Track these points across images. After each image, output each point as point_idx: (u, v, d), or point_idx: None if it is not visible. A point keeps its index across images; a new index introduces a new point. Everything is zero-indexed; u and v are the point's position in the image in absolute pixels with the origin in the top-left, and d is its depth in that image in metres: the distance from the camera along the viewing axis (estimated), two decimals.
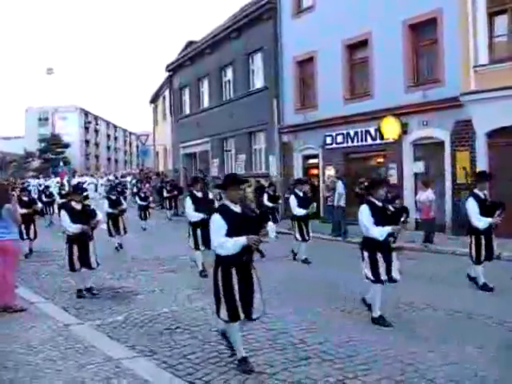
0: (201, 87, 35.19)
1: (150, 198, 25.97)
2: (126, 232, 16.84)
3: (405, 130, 19.27)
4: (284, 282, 11.14)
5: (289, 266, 13.40)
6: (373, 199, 8.17)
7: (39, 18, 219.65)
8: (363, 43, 21.12)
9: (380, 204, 8.15)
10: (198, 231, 11.92)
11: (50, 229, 22.44)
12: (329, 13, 22.30)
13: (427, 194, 15.99)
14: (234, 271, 6.11)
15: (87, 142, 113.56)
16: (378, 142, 20.35)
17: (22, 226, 14.44)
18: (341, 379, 5.88)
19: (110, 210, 16.55)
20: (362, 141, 21.24)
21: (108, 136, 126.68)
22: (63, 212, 10.16)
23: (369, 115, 20.23)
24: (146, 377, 5.94)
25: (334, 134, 22.42)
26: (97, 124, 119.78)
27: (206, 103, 34.45)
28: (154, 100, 50.78)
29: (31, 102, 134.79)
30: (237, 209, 6.33)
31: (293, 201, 13.95)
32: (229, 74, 31.10)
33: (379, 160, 21.40)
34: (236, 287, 6.11)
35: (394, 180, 19.76)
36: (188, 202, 12.13)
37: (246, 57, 28.75)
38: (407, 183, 19.30)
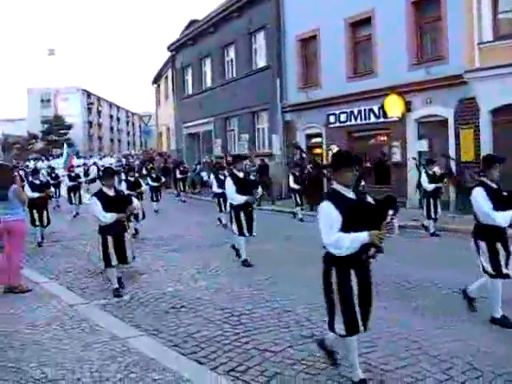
0: (203, 67, 35.03)
1: (163, 179, 24.82)
2: (144, 217, 15.59)
3: (408, 107, 19.20)
4: (288, 261, 11.15)
5: (293, 245, 13.41)
6: (487, 180, 7.21)
7: None
8: (366, 21, 20.95)
9: (495, 186, 7.18)
10: (242, 215, 10.89)
11: (54, 211, 22.33)
12: None
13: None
14: (353, 273, 5.05)
15: (90, 123, 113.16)
16: (382, 120, 20.28)
17: (34, 212, 14.07)
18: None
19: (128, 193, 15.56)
20: (365, 119, 21.16)
21: (111, 117, 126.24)
22: (94, 200, 8.74)
23: (372, 93, 20.14)
24: (151, 355, 5.97)
25: (337, 112, 22.34)
26: (99, 105, 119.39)
27: (208, 83, 34.32)
28: (156, 80, 50.61)
29: (33, 84, 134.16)
30: (351, 194, 5.11)
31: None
32: (231, 53, 30.97)
33: (383, 138, 21.37)
34: (356, 294, 5.07)
35: (397, 158, 19.76)
36: (229, 182, 10.93)
37: (248, 36, 28.61)
38: (411, 161, 19.23)
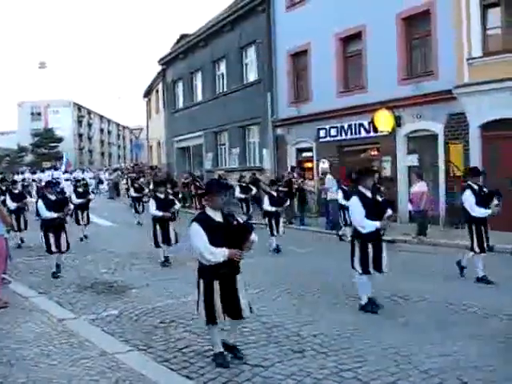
0: (194, 81, 35.11)
1: (180, 195, 22.68)
2: (177, 241, 13.07)
3: (398, 122, 19.27)
4: (280, 275, 11.15)
5: (286, 259, 13.41)
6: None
7: (31, 12, 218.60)
8: (357, 36, 21.08)
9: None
10: (370, 247, 8.32)
11: None
12: (322, 5, 22.29)
13: (420, 186, 16.02)
14: None
15: (80, 136, 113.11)
16: (372, 134, 20.34)
17: (50, 236, 11.55)
18: (335, 371, 5.89)
19: (160, 214, 12.79)
20: (355, 134, 21.23)
21: (101, 130, 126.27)
22: (197, 228, 6.05)
23: (362, 108, 20.23)
24: (140, 370, 5.94)
25: (327, 127, 22.41)
26: (90, 118, 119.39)
27: (199, 97, 34.38)
28: (147, 94, 50.68)
29: (24, 97, 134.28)
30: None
31: (470, 197, 10.31)
32: (222, 67, 31.05)
33: (373, 153, 21.42)
34: None
35: (387, 173, 19.83)
36: (356, 204, 8.33)
37: (239, 50, 28.71)
38: (401, 176, 19.30)
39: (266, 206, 14.54)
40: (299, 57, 24.49)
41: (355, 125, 21.11)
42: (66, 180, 35.51)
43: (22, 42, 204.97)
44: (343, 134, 21.76)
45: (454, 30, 17.06)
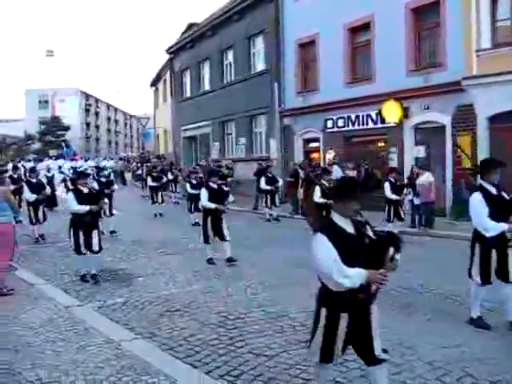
0: (202, 70, 35.05)
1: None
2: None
3: (406, 114, 19.22)
4: (286, 265, 11.16)
5: (292, 250, 13.37)
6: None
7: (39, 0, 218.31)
8: (365, 26, 20.97)
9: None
10: (493, 253, 7.05)
11: (55, 214, 20.35)
12: None
13: (426, 176, 15.95)
14: None
15: (87, 124, 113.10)
16: (380, 125, 20.31)
17: (81, 234, 10.11)
18: (340, 361, 5.87)
19: (213, 206, 11.56)
20: (363, 125, 21.18)
21: (108, 119, 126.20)
22: (322, 240, 4.27)
23: (370, 99, 20.15)
24: (145, 358, 5.97)
25: (334, 117, 22.35)
26: (97, 107, 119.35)
27: (206, 86, 34.34)
28: (154, 83, 50.67)
29: (31, 85, 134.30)
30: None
31: None
32: (230, 56, 30.98)
33: (380, 144, 21.36)
34: None
35: (394, 164, 19.77)
36: (479, 202, 6.94)
37: (247, 40, 28.62)
38: (408, 167, 19.22)
39: (317, 198, 13.17)
40: (307, 47, 24.37)
41: (363, 116, 21.06)
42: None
43: (30, 30, 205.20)
44: (350, 124, 21.72)
45: (463, 22, 16.97)
